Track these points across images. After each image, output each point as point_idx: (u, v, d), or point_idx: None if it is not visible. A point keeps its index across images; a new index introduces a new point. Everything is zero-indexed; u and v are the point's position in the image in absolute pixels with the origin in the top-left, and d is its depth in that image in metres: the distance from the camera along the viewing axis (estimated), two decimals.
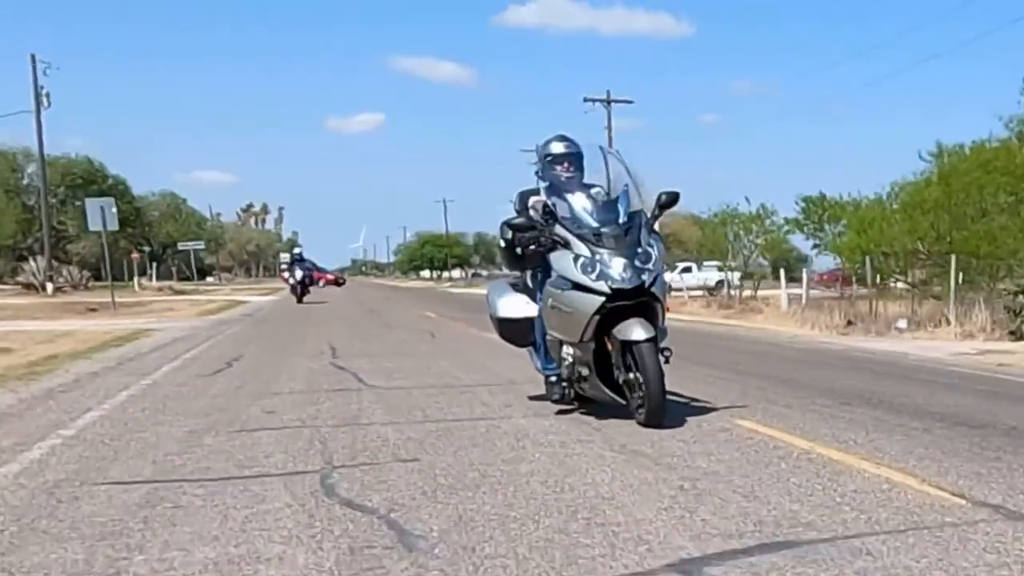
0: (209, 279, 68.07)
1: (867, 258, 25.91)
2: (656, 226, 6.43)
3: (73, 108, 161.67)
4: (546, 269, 6.31)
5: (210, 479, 4.57)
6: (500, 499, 4.11)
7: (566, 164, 6.38)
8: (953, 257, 22.74)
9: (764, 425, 6.09)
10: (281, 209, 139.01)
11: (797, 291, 27.51)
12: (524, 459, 5.02)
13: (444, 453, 5.18)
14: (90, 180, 53.92)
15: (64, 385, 8.77)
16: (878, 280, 26.35)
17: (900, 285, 27.51)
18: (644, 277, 5.92)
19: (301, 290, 29.53)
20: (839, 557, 3.26)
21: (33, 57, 38.18)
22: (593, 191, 6.27)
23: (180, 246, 56.18)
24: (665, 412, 5.85)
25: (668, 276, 8.92)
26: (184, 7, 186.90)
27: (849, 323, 19.41)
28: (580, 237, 6.03)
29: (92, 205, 25.93)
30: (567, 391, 6.38)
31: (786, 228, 39.29)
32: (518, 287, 6.89)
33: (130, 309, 26.84)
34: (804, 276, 28.13)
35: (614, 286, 5.85)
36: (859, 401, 7.43)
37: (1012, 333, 15.77)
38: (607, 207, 6.15)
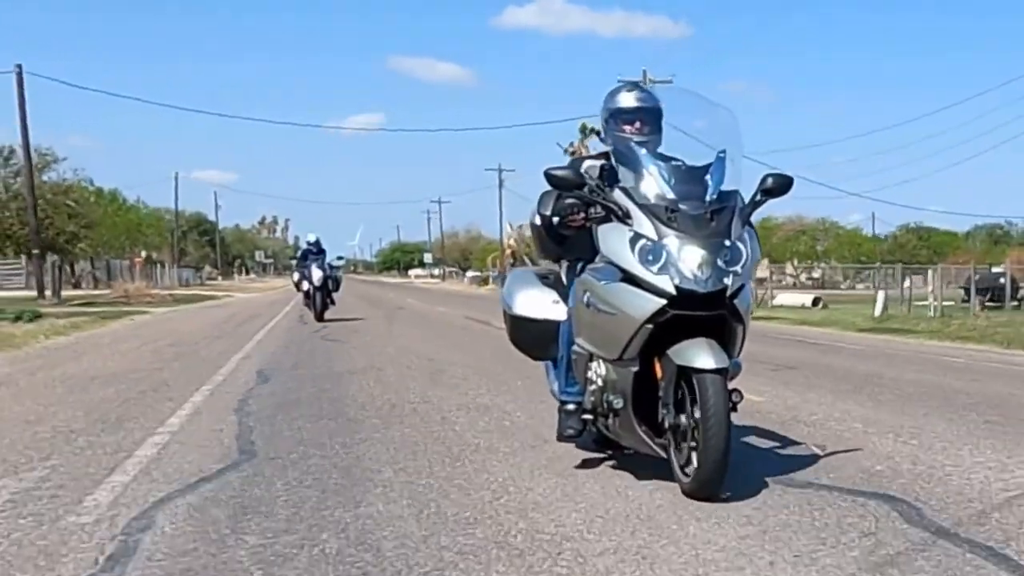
0: (252, 275, 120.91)
1: None
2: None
3: (73, 104, 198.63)
4: (593, 260, 4.86)
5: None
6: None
7: (637, 123, 4.97)
8: None
9: None
10: (287, 220, 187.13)
11: None
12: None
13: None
14: (197, 224, 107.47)
15: (279, 298, 62.47)
16: None
17: None
18: (727, 281, 4.41)
19: (321, 301, 20.20)
20: None
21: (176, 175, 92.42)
22: (674, 164, 4.79)
23: (257, 258, 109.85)
24: (723, 480, 4.35)
25: None
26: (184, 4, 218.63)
27: None
28: (646, 210, 4.54)
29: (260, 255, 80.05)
30: (586, 426, 5.03)
31: None
32: (548, 281, 5.50)
33: (251, 284, 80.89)
34: None
35: (683, 286, 4.36)
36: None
37: None
38: (690, 175, 4.67)
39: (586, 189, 4.75)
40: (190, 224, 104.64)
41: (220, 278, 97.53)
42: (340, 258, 23.74)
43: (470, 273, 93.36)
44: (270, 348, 13.68)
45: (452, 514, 4.23)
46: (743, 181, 4.75)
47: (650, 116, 5.03)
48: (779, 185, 4.77)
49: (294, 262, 24.84)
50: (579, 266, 5.06)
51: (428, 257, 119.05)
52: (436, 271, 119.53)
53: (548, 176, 4.75)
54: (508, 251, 68.68)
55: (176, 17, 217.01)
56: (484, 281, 71.95)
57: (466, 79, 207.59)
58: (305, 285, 21.25)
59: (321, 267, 20.56)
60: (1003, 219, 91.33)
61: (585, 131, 61.76)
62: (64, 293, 39.02)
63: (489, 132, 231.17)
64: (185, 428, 6.61)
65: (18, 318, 19.81)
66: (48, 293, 36.91)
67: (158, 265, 68.06)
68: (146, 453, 5.69)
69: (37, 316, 20.73)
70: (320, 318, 19.87)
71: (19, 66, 36.12)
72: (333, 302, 21.00)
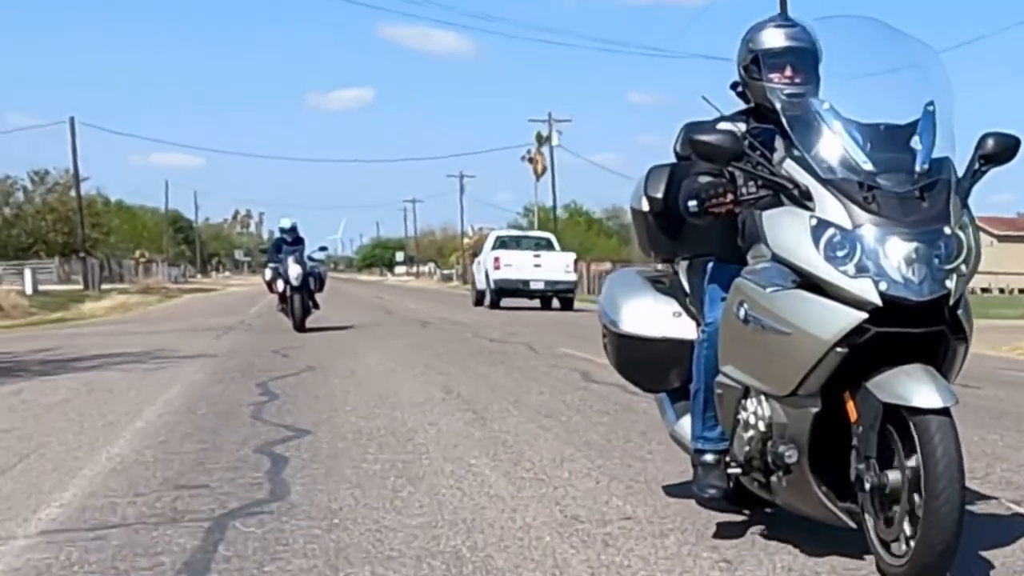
0: (227, 272, 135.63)
1: None
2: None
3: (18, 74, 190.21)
4: (731, 255, 3.93)
5: None
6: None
7: (788, 69, 3.87)
8: None
9: None
10: (261, 214, 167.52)
11: None
12: None
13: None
14: (173, 221, 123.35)
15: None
16: None
17: None
18: (949, 285, 3.37)
19: (300, 305, 17.11)
20: None
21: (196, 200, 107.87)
22: (868, 123, 3.64)
23: (236, 257, 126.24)
24: (952, 563, 3.30)
25: None
26: None
27: None
28: (833, 186, 3.48)
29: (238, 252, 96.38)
30: (731, 484, 3.93)
31: None
32: (663, 286, 4.46)
33: (226, 281, 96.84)
34: None
35: (891, 292, 3.33)
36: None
37: None
38: (891, 139, 3.58)
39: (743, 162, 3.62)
40: (167, 221, 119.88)
41: (199, 276, 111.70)
42: (323, 249, 20.71)
43: (441, 271, 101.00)
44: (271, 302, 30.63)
45: None
46: (955, 146, 3.58)
47: (803, 59, 3.88)
48: (1003, 148, 3.60)
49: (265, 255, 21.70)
50: (709, 266, 4.06)
51: (400, 256, 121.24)
52: (412, 269, 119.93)
53: (695, 143, 3.64)
54: (469, 252, 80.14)
55: None
56: (448, 279, 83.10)
57: (467, 50, 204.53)
58: (280, 285, 17.50)
59: (299, 261, 17.15)
60: None
61: (540, 140, 67.05)
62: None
63: (495, 110, 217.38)
64: (258, 311, 24.81)
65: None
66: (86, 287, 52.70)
67: (154, 264, 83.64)
68: (252, 311, 24.50)
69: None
70: (300, 327, 16.92)
71: (72, 118, 52.34)
72: (316, 305, 18.02)
